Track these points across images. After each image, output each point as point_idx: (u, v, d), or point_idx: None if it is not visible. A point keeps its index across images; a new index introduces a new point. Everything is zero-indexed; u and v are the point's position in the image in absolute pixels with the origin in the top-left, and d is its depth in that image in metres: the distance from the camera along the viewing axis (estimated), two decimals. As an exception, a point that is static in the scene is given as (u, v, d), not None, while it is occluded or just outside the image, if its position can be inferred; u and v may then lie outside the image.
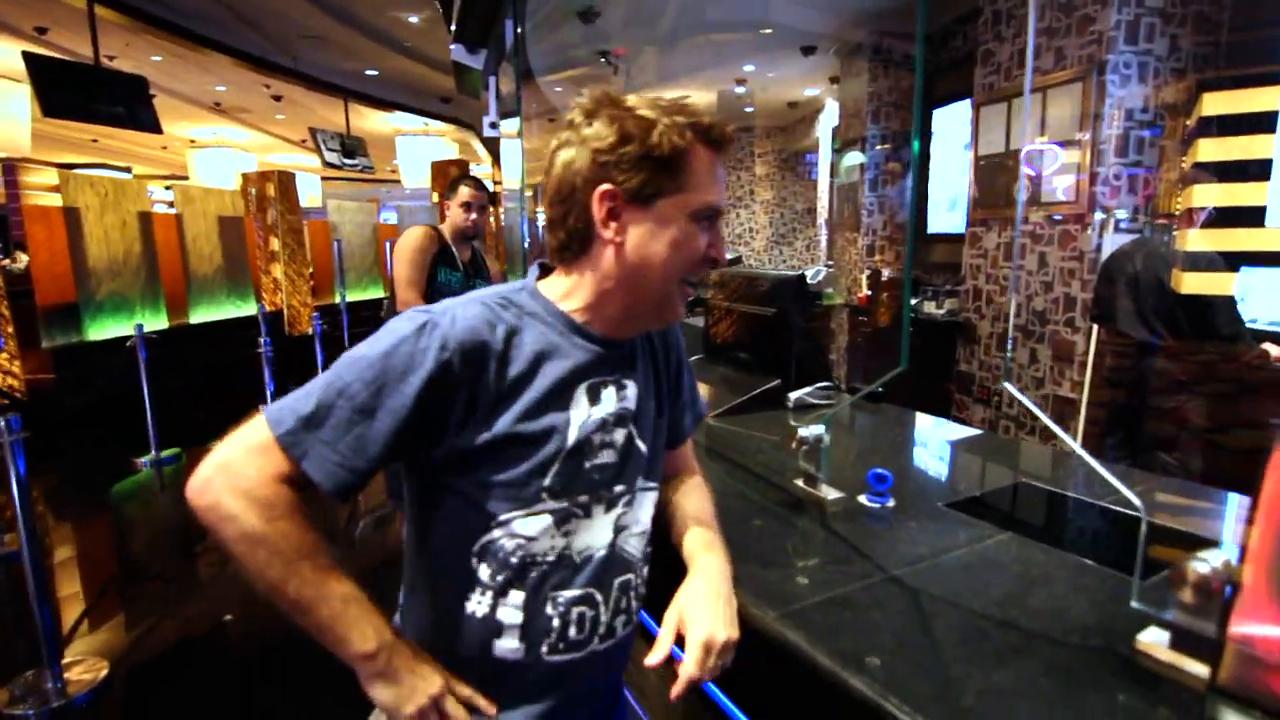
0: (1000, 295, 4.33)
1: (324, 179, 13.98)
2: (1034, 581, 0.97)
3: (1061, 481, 1.38)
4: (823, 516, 1.21)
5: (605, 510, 0.86)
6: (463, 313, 0.79)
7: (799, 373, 1.99)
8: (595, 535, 0.85)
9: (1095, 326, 3.53)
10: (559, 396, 0.82)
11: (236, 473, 0.72)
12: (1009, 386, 0.99)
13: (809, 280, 2.07)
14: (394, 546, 2.91)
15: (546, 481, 0.81)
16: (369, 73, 9.05)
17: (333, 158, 9.28)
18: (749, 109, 8.89)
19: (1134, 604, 0.81)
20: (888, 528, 1.16)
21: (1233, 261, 2.97)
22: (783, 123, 9.40)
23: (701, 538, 0.95)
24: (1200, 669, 0.76)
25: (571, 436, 0.82)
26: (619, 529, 0.87)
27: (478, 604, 0.82)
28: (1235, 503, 1.27)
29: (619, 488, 0.87)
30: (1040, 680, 0.76)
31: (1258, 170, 3.11)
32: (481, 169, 12.39)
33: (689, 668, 0.79)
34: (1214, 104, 3.32)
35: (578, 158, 0.81)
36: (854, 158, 6.17)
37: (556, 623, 0.83)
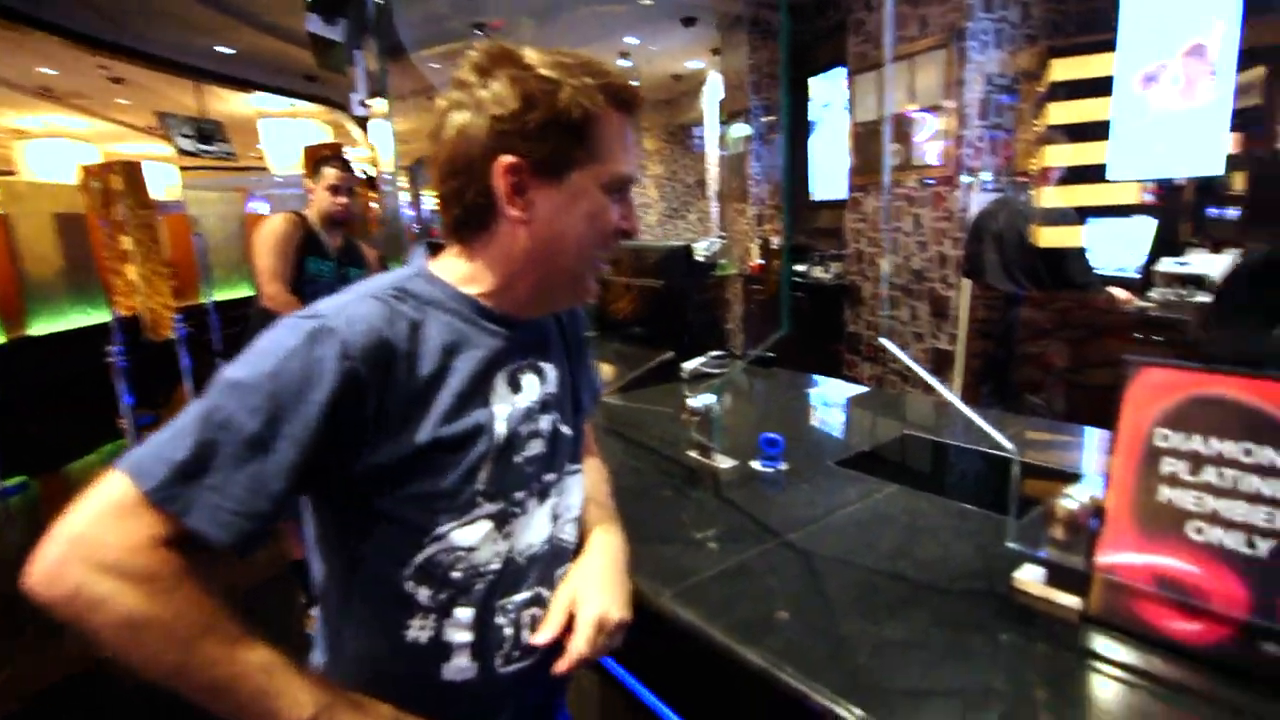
0: (881, 257, 4.51)
1: (183, 169, 12.81)
2: (920, 531, 0.99)
3: (943, 431, 1.43)
4: (717, 486, 1.19)
5: (540, 502, 0.81)
6: (357, 311, 0.69)
7: (693, 343, 1.98)
8: (535, 531, 0.80)
9: (967, 282, 3.74)
10: (478, 391, 0.75)
11: (98, 545, 0.58)
12: (885, 342, 0.99)
13: (702, 253, 2.05)
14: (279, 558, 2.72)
15: (480, 485, 0.74)
16: (222, 50, 8.30)
17: (187, 144, 8.48)
18: (634, 83, 8.80)
19: (1009, 544, 0.83)
20: (781, 491, 1.16)
21: (1082, 215, 3.22)
22: (668, 96, 9.40)
23: (597, 517, 0.92)
24: (1073, 601, 0.78)
25: (500, 432, 0.75)
26: (555, 518, 0.83)
27: (420, 630, 0.74)
28: (1093, 435, 1.35)
29: (549, 476, 0.82)
30: (930, 630, 0.76)
31: (1102, 131, 3.37)
32: (359, 152, 11.73)
33: (578, 645, 0.75)
34: (1062, 70, 3.56)
35: (473, 124, 0.71)
36: (739, 129, 6.25)
37: (509, 632, 0.77)
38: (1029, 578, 0.82)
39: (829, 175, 5.63)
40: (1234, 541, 0.68)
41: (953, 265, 3.98)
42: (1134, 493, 0.74)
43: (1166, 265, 3.15)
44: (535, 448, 0.81)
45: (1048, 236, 3.10)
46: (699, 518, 1.08)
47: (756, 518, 1.05)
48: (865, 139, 4.49)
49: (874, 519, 1.03)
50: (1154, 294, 3.13)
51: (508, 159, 0.70)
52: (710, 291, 2.11)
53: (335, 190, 2.57)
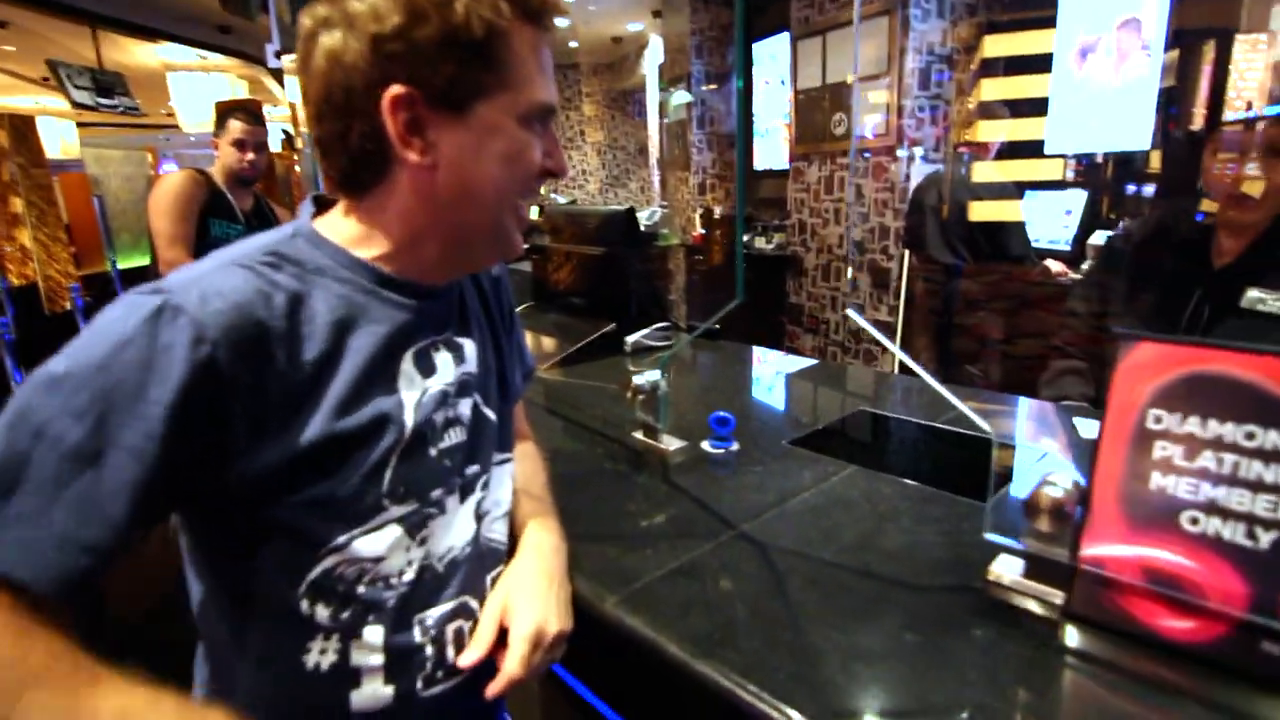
0: (823, 228, 4.48)
1: (81, 125, 11.78)
2: (884, 519, 0.91)
3: (896, 406, 1.37)
4: (665, 470, 1.10)
5: (461, 500, 0.69)
6: (217, 284, 0.55)
7: (636, 314, 1.87)
8: (456, 532, 0.68)
9: (908, 253, 3.74)
10: (381, 374, 0.62)
11: None
12: (853, 314, 0.90)
13: (644, 222, 1.92)
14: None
15: (386, 485, 0.61)
16: (120, -8, 7.58)
17: (83, 97, 7.74)
18: (573, 44, 8.52)
19: (987, 535, 0.76)
20: (733, 474, 1.07)
21: (1020, 189, 3.24)
22: (608, 59, 9.11)
23: (531, 511, 0.82)
24: (1055, 596, 0.72)
25: (409, 422, 0.63)
26: (480, 516, 0.72)
27: (321, 655, 0.61)
28: (1036, 408, 1.32)
29: (473, 469, 0.71)
30: (903, 635, 0.69)
31: (1039, 106, 3.39)
32: (278, 110, 11.02)
33: (511, 666, 0.65)
34: (994, 46, 3.55)
35: (348, 48, 0.57)
36: (681, 96, 6.09)
37: (431, 650, 0.65)
38: (1006, 571, 0.76)
39: (766, 143, 5.56)
40: (1233, 533, 0.62)
41: (893, 236, 3.98)
42: (1123, 479, 0.67)
43: (1097, 239, 3.21)
44: (453, 437, 0.69)
45: (987, 209, 3.10)
46: (646, 507, 0.98)
47: (708, 506, 0.96)
48: (807, 106, 4.42)
49: (833, 505, 0.95)
50: (1085, 266, 3.19)
51: (396, 89, 0.57)
52: (653, 262, 2.00)
53: (241, 145, 2.33)
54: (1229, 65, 3.14)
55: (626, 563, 0.83)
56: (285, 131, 8.89)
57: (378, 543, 0.62)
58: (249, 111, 2.46)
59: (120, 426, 0.50)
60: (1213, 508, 0.63)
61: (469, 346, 0.72)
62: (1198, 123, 3.27)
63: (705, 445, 1.16)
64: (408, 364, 0.65)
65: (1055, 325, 1.52)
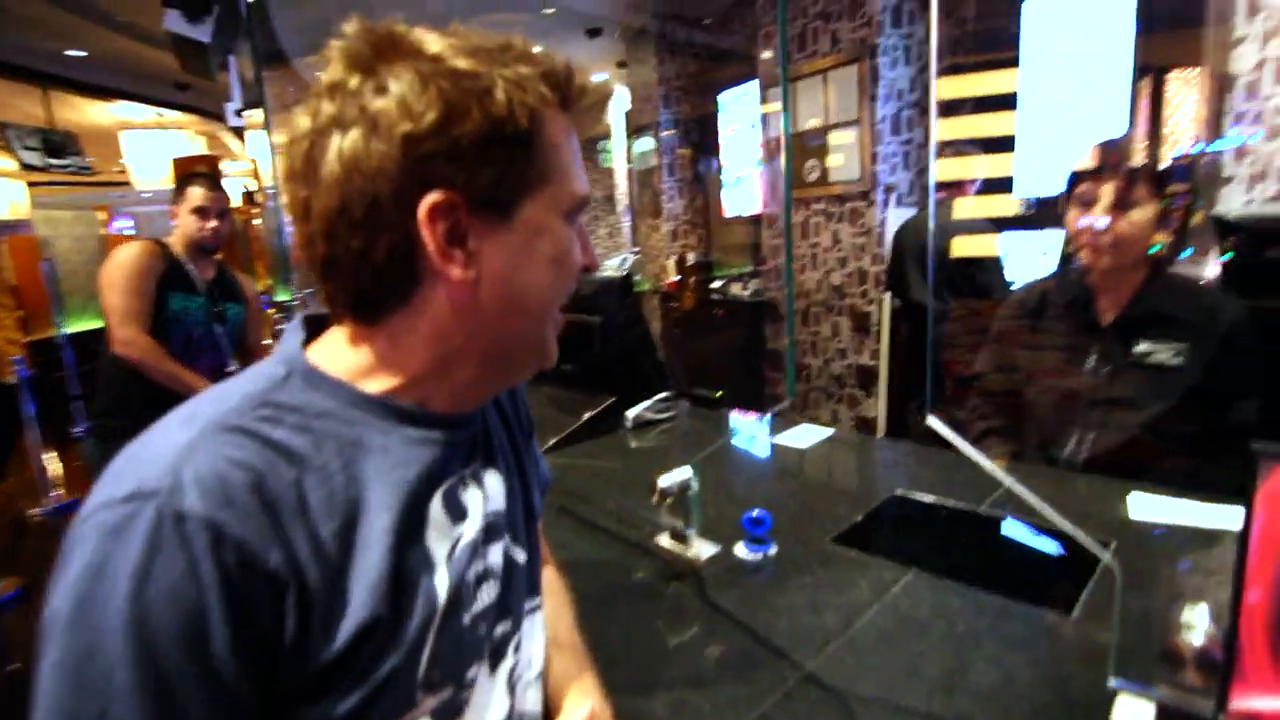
0: (801, 273, 4.46)
1: (31, 185, 11.42)
2: (964, 643, 0.81)
3: (934, 485, 1.28)
4: (700, 585, 0.98)
5: (492, 669, 0.58)
6: (209, 461, 0.44)
7: (635, 382, 1.76)
8: (489, 710, 0.57)
9: (889, 296, 3.72)
10: (410, 531, 0.51)
11: None
12: (934, 422, 0.81)
13: (615, 269, 1.84)
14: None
15: (422, 671, 0.50)
16: (73, 54, 7.41)
17: (32, 158, 7.50)
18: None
19: (1113, 682, 0.65)
20: (779, 589, 0.96)
21: (998, 227, 3.25)
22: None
23: (565, 670, 0.70)
24: (1194, 753, 0.62)
25: (442, 590, 0.52)
26: (513, 686, 0.60)
27: None
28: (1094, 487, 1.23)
29: (503, 628, 0.59)
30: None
31: (1007, 145, 3.44)
32: (237, 165, 10.85)
33: None
34: (945, 88, 3.61)
35: (370, 150, 0.47)
36: (645, 143, 6.12)
37: None
38: (1131, 718, 0.66)
39: (740, 191, 5.58)
40: None
41: (872, 280, 3.97)
42: (1275, 618, 0.58)
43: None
44: (486, 596, 0.57)
45: (966, 248, 3.09)
46: (688, 639, 0.86)
47: (762, 637, 0.84)
48: (779, 155, 4.44)
49: (904, 628, 0.84)
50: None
51: (435, 196, 0.47)
52: (643, 323, 1.91)
53: (203, 213, 2.19)
54: (1162, 102, 3.22)
55: (683, 724, 0.70)
56: (245, 188, 8.72)
57: None
58: (209, 177, 2.33)
59: (184, 688, 0.41)
60: (1395, 659, 0.54)
61: (494, 479, 0.61)
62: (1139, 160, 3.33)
63: (740, 550, 1.05)
64: (436, 509, 0.53)
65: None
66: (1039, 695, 0.71)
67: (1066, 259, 3.43)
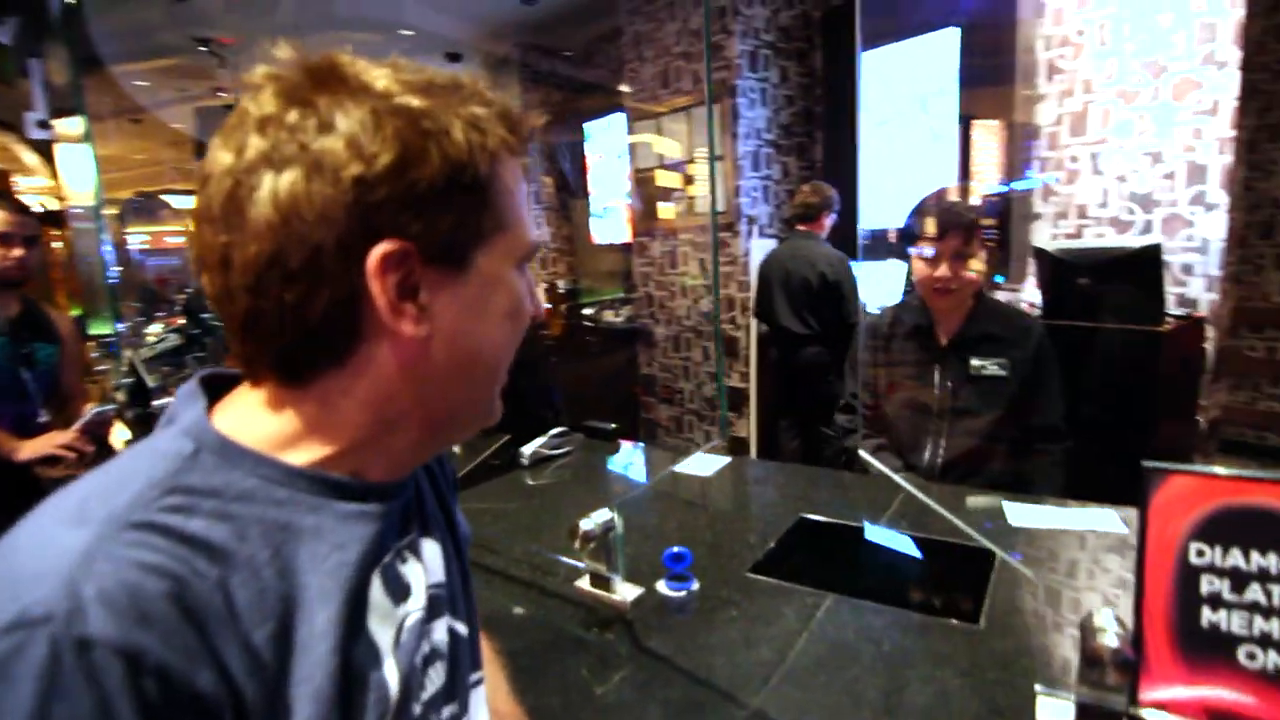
0: (671, 300, 4.58)
1: None
2: (894, 663, 0.84)
3: (832, 506, 1.33)
4: (630, 631, 0.95)
5: None
6: (113, 571, 0.35)
7: (528, 417, 1.71)
8: None
9: (756, 321, 3.90)
10: (352, 622, 0.44)
11: None
12: (865, 455, 0.84)
13: None
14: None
15: None
16: None
17: None
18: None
19: (1039, 687, 0.70)
20: (707, 624, 0.95)
21: (852, 258, 3.52)
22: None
23: None
24: (1111, 745, 0.68)
25: (393, 684, 0.46)
26: None
27: None
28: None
29: (450, 710, 0.54)
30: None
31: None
32: (33, 182, 9.46)
33: None
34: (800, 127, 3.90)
35: (312, 193, 0.41)
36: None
37: None
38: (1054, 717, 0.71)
39: (609, 220, 5.66)
40: (1293, 668, 0.61)
41: (740, 306, 4.15)
42: (1172, 617, 0.65)
43: (920, 303, 3.54)
44: (435, 679, 0.52)
45: (828, 278, 3.30)
46: (629, 692, 0.83)
47: (702, 679, 0.83)
48: (647, 184, 4.55)
49: (834, 653, 0.86)
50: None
51: (386, 245, 0.42)
52: (533, 355, 1.86)
53: (5, 241, 1.88)
54: (970, 147, 3.65)
55: (643, 785, 0.67)
56: (43, 206, 7.65)
57: None
58: (13, 201, 2.01)
59: None
60: (1268, 641, 0.62)
61: (432, 548, 0.56)
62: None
63: (662, 588, 1.03)
64: (377, 592, 0.47)
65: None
66: (970, 706, 0.76)
67: (909, 290, 3.75)
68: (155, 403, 2.27)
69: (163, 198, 6.00)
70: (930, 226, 1.47)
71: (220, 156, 0.43)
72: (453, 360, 0.47)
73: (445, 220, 0.44)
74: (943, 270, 1.47)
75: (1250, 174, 3.35)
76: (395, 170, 0.42)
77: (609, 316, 5.11)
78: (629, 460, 1.74)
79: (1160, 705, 0.65)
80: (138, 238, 5.97)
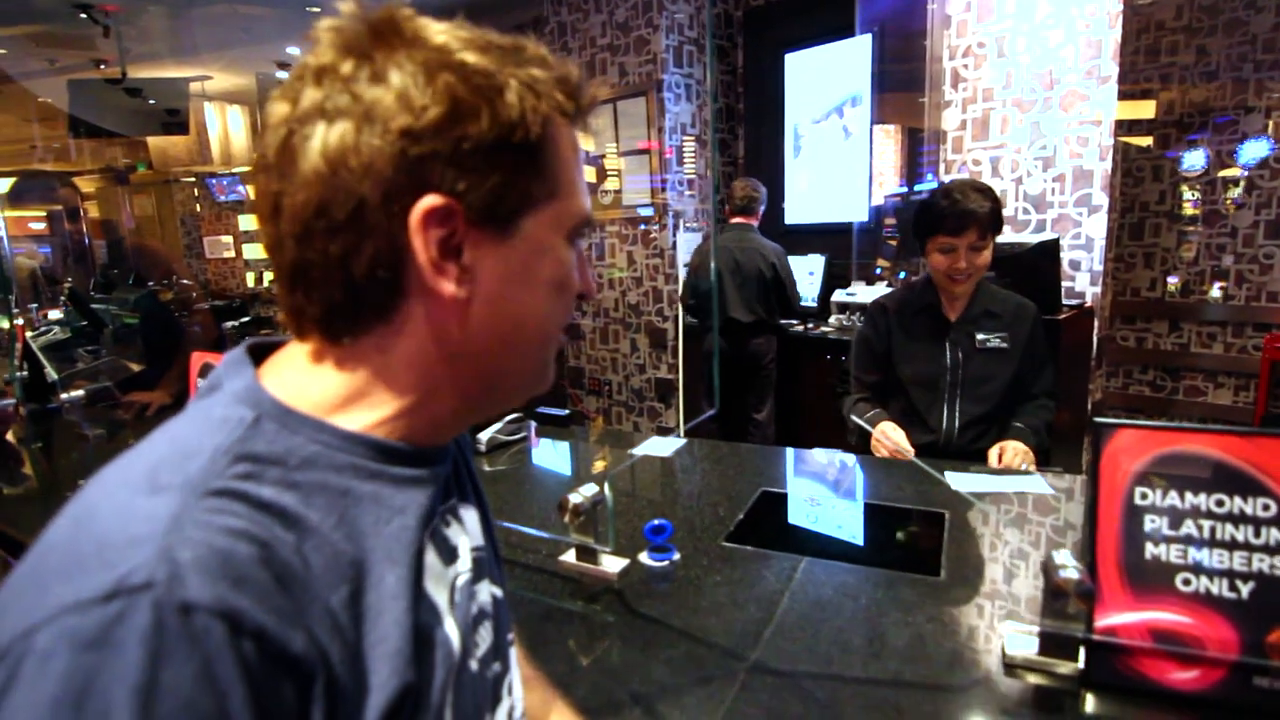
0: (598, 293, 4.61)
1: None
2: (873, 614, 0.91)
3: (786, 480, 1.41)
4: (622, 599, 0.98)
5: (493, 715, 0.54)
6: (202, 538, 0.35)
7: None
8: None
9: (682, 312, 3.98)
10: (414, 582, 0.45)
11: None
12: (853, 417, 0.90)
13: None
14: None
15: None
16: None
17: None
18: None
19: (1009, 623, 0.79)
20: (695, 590, 0.99)
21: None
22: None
23: (539, 699, 0.69)
24: (1069, 667, 0.77)
25: (455, 641, 0.47)
26: None
27: None
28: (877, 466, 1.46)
29: (496, 668, 0.55)
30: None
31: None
32: None
33: None
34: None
35: (361, 144, 0.41)
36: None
37: None
38: (1021, 651, 0.79)
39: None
40: (1219, 588, 0.72)
41: (666, 299, 4.23)
42: (1121, 552, 0.75)
43: (838, 296, 3.73)
44: (484, 638, 0.55)
45: (777, 268, 3.41)
46: (635, 654, 0.86)
47: (700, 637, 0.87)
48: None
49: (817, 609, 0.93)
50: (831, 320, 3.69)
51: (431, 200, 0.42)
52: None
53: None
54: (873, 151, 3.88)
55: (665, 733, 0.71)
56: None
57: None
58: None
59: None
60: (1199, 568, 0.72)
61: (470, 514, 0.57)
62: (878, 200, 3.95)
63: (644, 558, 1.07)
64: (431, 555, 0.48)
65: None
66: (945, 645, 0.83)
67: (831, 281, 3.85)
68: (64, 396, 2.10)
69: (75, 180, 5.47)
70: (950, 221, 1.59)
71: (278, 107, 0.43)
72: (493, 326, 0.46)
73: (493, 180, 0.44)
74: (962, 262, 1.61)
75: (1123, 180, 3.73)
76: (444, 124, 0.42)
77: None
78: (583, 444, 1.77)
79: (1112, 630, 0.75)
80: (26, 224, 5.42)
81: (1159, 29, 3.74)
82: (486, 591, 0.56)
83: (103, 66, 5.30)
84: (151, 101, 5.47)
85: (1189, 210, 3.77)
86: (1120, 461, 0.75)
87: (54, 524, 0.37)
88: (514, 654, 0.62)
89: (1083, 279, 2.94)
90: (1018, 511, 1.21)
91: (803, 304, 3.66)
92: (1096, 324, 2.95)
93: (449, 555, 0.51)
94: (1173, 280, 3.86)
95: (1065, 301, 2.82)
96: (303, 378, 0.46)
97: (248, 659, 0.34)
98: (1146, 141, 3.77)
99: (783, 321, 3.64)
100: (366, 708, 0.40)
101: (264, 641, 0.35)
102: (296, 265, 0.44)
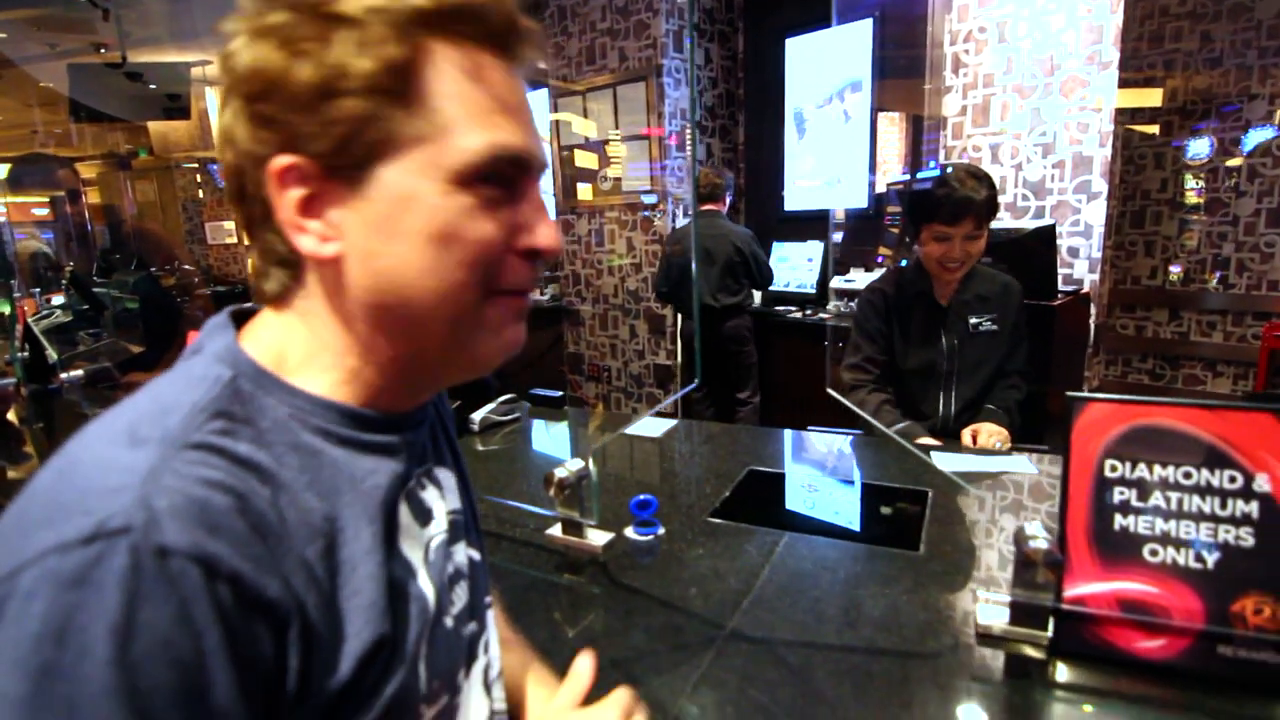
0: (597, 279, 4.61)
1: None
2: (850, 586, 0.93)
3: (773, 459, 1.42)
4: (605, 570, 1.00)
5: (468, 671, 0.55)
6: (179, 487, 0.36)
7: (477, 385, 1.71)
8: (473, 712, 0.55)
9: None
10: (386, 543, 0.46)
11: None
12: (833, 393, 0.91)
13: None
14: None
15: (423, 683, 0.47)
16: None
17: None
18: None
19: (979, 591, 0.80)
20: (677, 562, 1.01)
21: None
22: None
23: (515, 660, 0.70)
24: (1040, 636, 0.78)
25: (430, 596, 0.49)
26: (488, 686, 0.59)
27: None
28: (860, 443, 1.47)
29: (471, 627, 0.56)
30: (944, 705, 0.69)
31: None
32: None
33: None
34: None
35: (234, 120, 0.43)
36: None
37: None
38: (992, 620, 0.81)
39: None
40: (1185, 558, 0.73)
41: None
42: (1091, 523, 0.76)
43: (836, 282, 3.74)
44: (460, 597, 0.56)
45: (745, 252, 3.41)
46: (616, 621, 0.88)
47: (679, 607, 0.89)
48: (572, 162, 4.55)
49: (796, 581, 0.94)
50: (830, 307, 3.69)
51: (281, 160, 0.42)
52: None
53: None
54: (876, 137, 3.87)
55: (642, 695, 0.72)
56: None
57: None
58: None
59: None
60: (1167, 539, 0.74)
61: (447, 476, 0.59)
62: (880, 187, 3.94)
63: (629, 533, 1.09)
64: (404, 514, 0.50)
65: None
66: (918, 615, 0.85)
67: (828, 268, 3.85)
68: (64, 376, 2.12)
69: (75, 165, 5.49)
70: (947, 209, 1.57)
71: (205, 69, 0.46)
72: (373, 284, 0.44)
73: (338, 130, 0.41)
74: (957, 251, 1.59)
75: (1125, 167, 3.71)
76: (274, 81, 0.41)
77: (534, 295, 5.09)
78: (577, 425, 1.78)
79: (1081, 600, 0.76)
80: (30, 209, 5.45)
81: (1163, 15, 3.71)
82: (463, 553, 0.57)
83: (103, 51, 5.29)
84: (152, 86, 5.47)
85: (1192, 199, 3.76)
86: (1091, 434, 0.76)
87: (38, 475, 0.39)
88: (491, 615, 0.63)
89: (1081, 266, 2.94)
90: (1001, 491, 1.22)
91: (788, 289, 3.68)
92: (1095, 311, 2.95)
93: (424, 517, 0.52)
94: (1175, 269, 3.85)
95: (1062, 288, 2.82)
96: (270, 340, 0.47)
97: (223, 602, 0.35)
98: (1153, 130, 3.75)
99: (776, 309, 3.66)
100: (342, 655, 0.41)
101: (239, 586, 0.36)
102: (244, 232, 0.46)
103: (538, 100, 5.06)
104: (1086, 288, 2.92)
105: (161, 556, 0.34)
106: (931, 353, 1.71)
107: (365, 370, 0.47)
